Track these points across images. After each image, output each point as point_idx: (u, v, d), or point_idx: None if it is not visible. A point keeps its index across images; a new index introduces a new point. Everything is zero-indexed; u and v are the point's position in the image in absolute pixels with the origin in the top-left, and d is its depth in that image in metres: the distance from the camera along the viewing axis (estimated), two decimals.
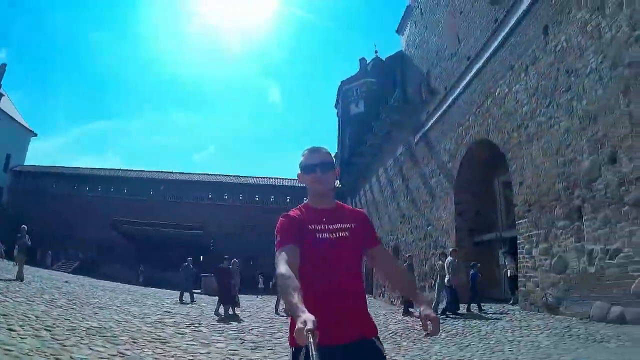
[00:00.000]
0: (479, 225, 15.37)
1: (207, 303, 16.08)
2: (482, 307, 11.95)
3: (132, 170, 48.49)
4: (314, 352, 1.52)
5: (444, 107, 16.70)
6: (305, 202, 2.45)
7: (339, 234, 2.24)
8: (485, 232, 14.99)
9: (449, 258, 12.21)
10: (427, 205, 18.79)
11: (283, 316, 13.14)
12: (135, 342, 7.48)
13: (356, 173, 32.87)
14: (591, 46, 9.10)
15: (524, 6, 11.27)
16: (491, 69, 13.18)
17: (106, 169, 49.02)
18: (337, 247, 2.21)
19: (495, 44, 12.65)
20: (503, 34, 12.29)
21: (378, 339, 2.25)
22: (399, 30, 21.66)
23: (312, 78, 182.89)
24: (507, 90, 12.34)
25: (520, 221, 11.42)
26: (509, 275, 12.49)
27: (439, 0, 16.60)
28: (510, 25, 11.94)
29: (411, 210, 21.08)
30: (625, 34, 8.19)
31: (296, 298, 1.76)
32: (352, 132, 34.22)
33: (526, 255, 10.99)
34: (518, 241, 11.40)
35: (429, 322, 2.10)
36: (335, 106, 46.89)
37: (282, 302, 12.08)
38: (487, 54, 13.17)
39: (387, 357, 2.23)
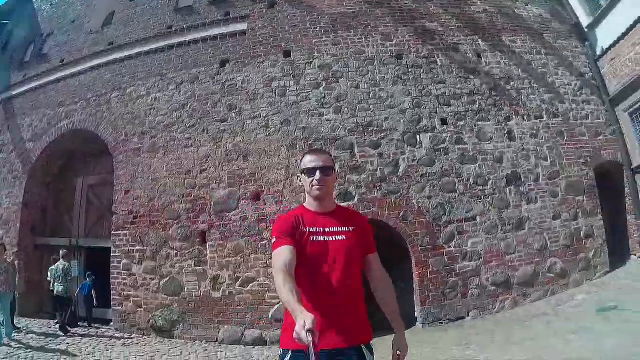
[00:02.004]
0: (45, 224, 12.25)
1: None
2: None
3: None
4: (313, 352, 1.58)
5: (50, 78, 13.02)
6: (302, 203, 2.39)
7: (335, 238, 2.24)
8: (52, 235, 12.00)
9: (62, 262, 9.70)
10: None
11: None
12: None
13: None
14: (269, 97, 9.65)
15: (210, 33, 10.95)
16: (134, 66, 11.56)
17: None
18: (331, 250, 2.21)
19: (154, 46, 11.57)
20: (170, 42, 11.41)
21: (369, 346, 2.22)
22: None
23: None
24: (144, 93, 10.88)
25: (119, 232, 9.81)
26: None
27: None
28: (183, 39, 11.14)
29: None
30: (312, 104, 9.30)
31: (294, 299, 1.76)
32: None
33: (123, 272, 9.37)
34: (114, 254, 9.55)
35: (398, 352, 2.30)
36: None
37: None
38: (137, 51, 11.79)
39: None
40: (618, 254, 9.72)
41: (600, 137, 9.74)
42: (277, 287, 1.90)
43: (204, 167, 9.72)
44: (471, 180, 8.44)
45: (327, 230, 2.25)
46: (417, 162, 8.45)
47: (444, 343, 7.17)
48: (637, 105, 9.67)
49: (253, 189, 9.15)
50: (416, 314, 8.19)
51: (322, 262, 2.19)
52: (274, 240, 2.15)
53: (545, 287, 8.53)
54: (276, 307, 7.81)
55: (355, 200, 8.30)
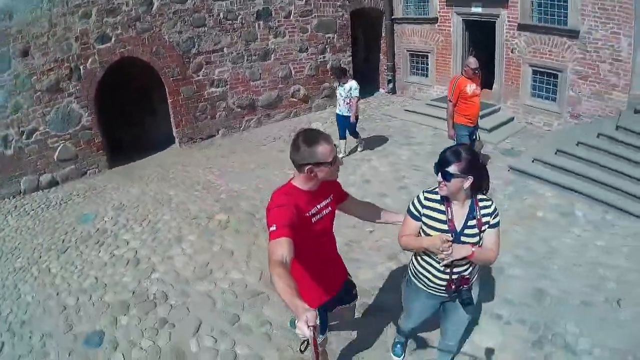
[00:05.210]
0: None
1: None
2: None
3: None
4: (314, 348, 1.66)
5: None
6: (290, 183, 2.40)
7: (326, 211, 2.48)
8: None
9: None
10: None
11: None
12: None
13: None
14: None
15: None
16: None
17: None
18: (326, 223, 2.53)
19: None
20: None
21: (349, 275, 3.02)
22: None
23: None
24: None
25: None
26: None
27: None
28: None
29: None
30: None
31: (296, 295, 1.79)
32: None
33: None
34: None
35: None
36: None
37: None
38: None
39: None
40: (371, 86, 11.11)
41: None
42: (274, 281, 1.88)
43: None
44: (221, 16, 8.97)
45: (319, 206, 2.42)
46: (170, 0, 8.75)
47: (194, 167, 8.20)
48: None
49: (21, 46, 9.10)
50: (174, 134, 9.29)
51: (322, 235, 2.51)
52: (273, 228, 2.09)
53: (288, 109, 9.66)
54: None
55: (112, 41, 8.51)
